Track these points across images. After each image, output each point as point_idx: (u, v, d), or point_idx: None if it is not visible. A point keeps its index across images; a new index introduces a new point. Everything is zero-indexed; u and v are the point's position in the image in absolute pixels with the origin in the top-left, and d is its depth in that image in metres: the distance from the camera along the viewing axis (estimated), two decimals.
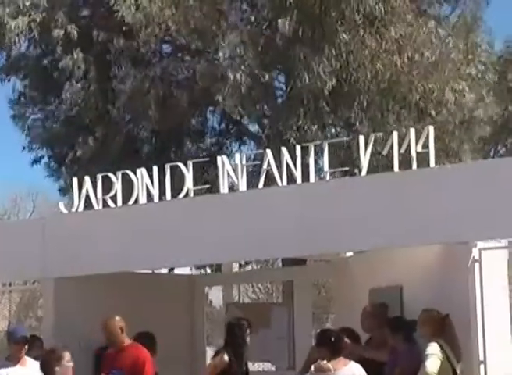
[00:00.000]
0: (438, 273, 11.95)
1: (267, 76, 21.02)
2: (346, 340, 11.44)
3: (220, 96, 20.41)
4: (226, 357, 12.48)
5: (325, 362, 11.03)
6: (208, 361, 16.71)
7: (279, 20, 19.84)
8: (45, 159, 24.38)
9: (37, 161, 24.38)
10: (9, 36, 21.84)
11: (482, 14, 23.82)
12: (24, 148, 24.28)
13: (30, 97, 24.16)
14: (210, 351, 16.78)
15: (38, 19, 21.92)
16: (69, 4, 22.26)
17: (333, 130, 19.74)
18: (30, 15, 21.79)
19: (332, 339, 11.12)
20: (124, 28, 20.89)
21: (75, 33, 21.62)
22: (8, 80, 23.65)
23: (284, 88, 21.03)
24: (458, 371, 11.02)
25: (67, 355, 10.35)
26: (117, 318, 12.64)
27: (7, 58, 23.04)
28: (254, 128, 22.91)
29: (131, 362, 12.44)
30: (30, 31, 21.91)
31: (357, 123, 19.78)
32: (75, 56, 21.59)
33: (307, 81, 19.87)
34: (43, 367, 10.95)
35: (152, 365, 12.48)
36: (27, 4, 22.11)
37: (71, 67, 21.73)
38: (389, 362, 11.69)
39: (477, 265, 11.39)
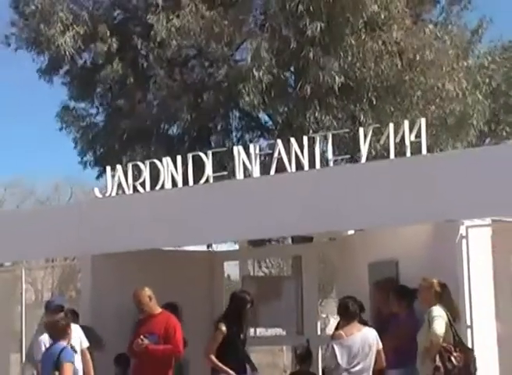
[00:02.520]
0: (429, 248, 11.95)
1: (282, 75, 21.04)
2: None
3: (244, 91, 20.39)
4: (224, 327, 12.40)
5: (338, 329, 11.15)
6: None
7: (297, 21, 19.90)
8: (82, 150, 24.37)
9: (79, 155, 24.39)
10: (57, 47, 21.88)
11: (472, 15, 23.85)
12: (75, 144, 24.24)
13: (74, 103, 24.17)
14: None
15: (82, 32, 21.92)
16: (109, 18, 22.23)
17: (341, 123, 19.63)
18: (74, 28, 21.79)
19: (347, 306, 11.17)
20: (157, 39, 20.88)
21: (114, 45, 21.63)
22: (51, 80, 23.61)
23: (297, 85, 20.93)
24: (459, 336, 11.04)
25: None
26: (146, 288, 12.69)
27: (52, 61, 23.01)
28: (268, 122, 22.89)
29: (162, 328, 12.47)
30: (75, 43, 21.91)
31: (362, 117, 19.76)
32: (115, 65, 21.61)
33: (319, 79, 19.89)
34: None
35: (181, 331, 12.52)
36: (71, 18, 22.10)
37: (111, 74, 21.75)
38: (391, 326, 11.71)
39: (464, 241, 11.42)
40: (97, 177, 23.62)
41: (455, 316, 11.11)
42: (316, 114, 20.15)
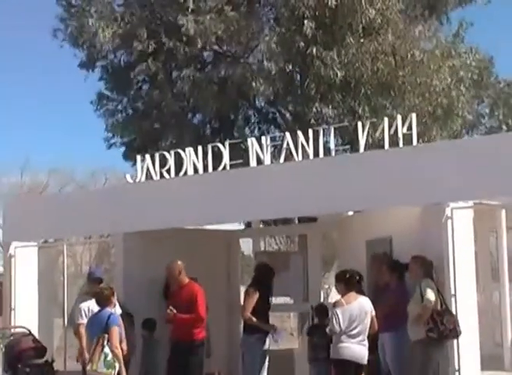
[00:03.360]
0: (419, 227, 11.96)
1: (290, 74, 21.06)
2: None
3: (257, 87, 20.44)
4: (257, 292, 12.58)
5: (338, 297, 11.19)
6: (242, 296, 16.89)
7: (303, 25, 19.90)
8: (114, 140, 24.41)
9: (112, 144, 24.40)
10: (98, 43, 21.90)
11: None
12: (106, 129, 24.26)
13: (110, 94, 24.13)
14: (243, 289, 16.88)
15: (120, 31, 21.93)
16: (144, 20, 22.22)
17: (341, 116, 19.62)
18: (112, 28, 21.80)
19: (347, 276, 11.18)
20: (184, 38, 20.90)
21: (148, 44, 21.64)
22: (92, 70, 23.61)
23: (303, 82, 20.94)
24: (447, 304, 11.11)
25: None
26: (178, 262, 12.63)
27: (91, 57, 23.01)
28: (278, 115, 22.85)
29: (188, 296, 12.46)
30: (113, 41, 21.92)
31: (360, 110, 19.75)
32: (149, 63, 21.64)
33: (322, 76, 19.90)
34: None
35: (203, 297, 12.54)
36: (112, 17, 22.11)
37: (145, 70, 21.77)
38: (384, 296, 11.74)
39: (449, 221, 11.41)
40: (133, 164, 23.62)
41: (441, 288, 11.20)
42: (319, 107, 20.16)
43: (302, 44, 20.22)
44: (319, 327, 13.36)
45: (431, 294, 10.94)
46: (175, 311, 12.28)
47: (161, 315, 12.87)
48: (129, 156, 23.47)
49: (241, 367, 13.34)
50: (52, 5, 23.11)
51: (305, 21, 19.90)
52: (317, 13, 19.96)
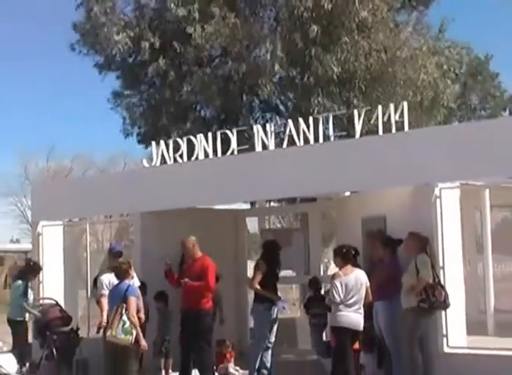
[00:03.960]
0: (410, 205, 11.96)
1: (291, 69, 21.05)
2: None
3: (261, 82, 20.47)
4: (265, 265, 12.66)
5: (336, 269, 11.22)
6: (249, 270, 16.93)
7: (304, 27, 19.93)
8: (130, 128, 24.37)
9: (129, 133, 24.38)
10: (112, 46, 21.90)
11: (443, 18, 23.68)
12: (124, 122, 24.24)
13: (125, 89, 24.11)
14: (249, 263, 16.91)
15: (132, 35, 21.91)
16: (154, 24, 22.18)
17: (337, 106, 19.60)
18: (125, 32, 21.80)
19: (344, 251, 11.23)
20: (192, 41, 20.87)
21: (157, 44, 21.63)
22: (105, 74, 23.61)
23: (303, 76, 20.94)
24: (440, 278, 11.15)
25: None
26: (192, 237, 12.75)
27: (108, 59, 22.99)
28: (281, 106, 22.84)
29: (199, 268, 12.56)
30: (126, 43, 21.90)
31: (355, 101, 19.74)
32: (159, 62, 21.61)
33: (320, 71, 19.88)
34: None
35: (214, 270, 12.61)
36: (122, 23, 22.10)
37: (156, 69, 21.75)
38: (378, 268, 11.76)
39: (438, 200, 11.43)
40: (146, 147, 23.61)
41: (434, 263, 11.22)
42: (318, 99, 20.17)
43: (301, 44, 20.22)
44: (314, 298, 14.01)
45: (426, 269, 11.00)
46: (186, 280, 12.39)
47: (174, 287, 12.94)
48: (144, 143, 23.53)
49: (250, 333, 13.37)
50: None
51: (304, 22, 19.93)
52: (314, 14, 19.95)
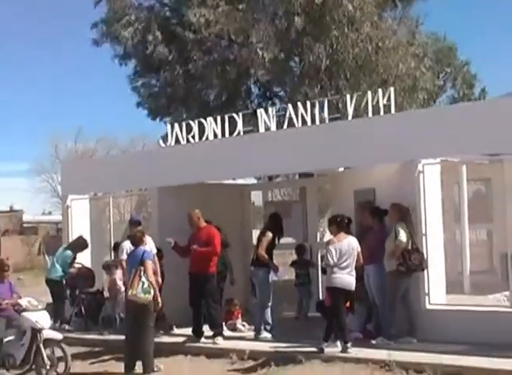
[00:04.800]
0: (397, 179, 11.97)
1: (286, 58, 21.05)
2: None
3: (258, 70, 20.50)
4: (270, 234, 12.68)
5: (331, 236, 11.27)
6: (254, 239, 16.95)
7: (295, 19, 19.89)
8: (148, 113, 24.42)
9: (144, 108, 24.42)
10: (123, 39, 21.88)
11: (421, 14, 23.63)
12: (138, 106, 24.25)
13: (139, 75, 24.09)
14: (254, 232, 16.93)
15: (140, 27, 21.87)
16: (159, 17, 22.14)
17: (327, 92, 19.58)
18: (134, 25, 21.79)
19: (338, 220, 11.29)
20: (194, 29, 20.83)
21: (161, 35, 21.62)
22: (126, 64, 23.58)
23: (297, 65, 20.96)
24: (417, 244, 11.23)
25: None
26: (196, 210, 12.82)
27: (125, 51, 22.97)
28: (280, 92, 22.80)
29: (205, 236, 12.63)
30: (135, 35, 21.87)
31: (342, 88, 19.72)
32: (163, 49, 21.57)
33: (311, 60, 19.87)
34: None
35: (218, 237, 12.67)
36: (133, 18, 22.06)
37: (163, 55, 21.71)
38: (368, 235, 11.77)
39: (421, 174, 11.46)
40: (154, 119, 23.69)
41: (412, 230, 11.29)
42: (309, 86, 20.22)
43: (295, 35, 20.19)
44: (298, 262, 15.01)
45: (403, 236, 11.10)
46: (195, 247, 12.46)
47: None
48: (154, 119, 23.65)
49: (252, 294, 13.37)
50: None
51: (297, 15, 19.90)
52: (307, 9, 19.91)
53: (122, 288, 12.89)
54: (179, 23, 21.69)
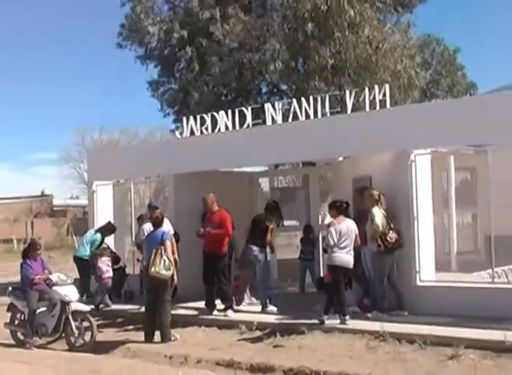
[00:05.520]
0: (391, 168, 11.93)
1: (294, 59, 21.01)
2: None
3: (269, 68, 20.50)
4: (271, 225, 12.82)
5: (331, 219, 11.27)
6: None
7: (304, 24, 19.88)
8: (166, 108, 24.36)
9: (166, 115, 24.39)
10: (148, 38, 21.86)
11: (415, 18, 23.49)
12: (161, 104, 24.22)
13: (159, 74, 24.07)
14: None
15: (164, 28, 21.82)
16: (182, 19, 22.09)
17: (331, 89, 19.52)
18: (157, 24, 21.73)
19: (337, 204, 11.33)
20: (212, 34, 20.83)
21: (185, 35, 21.58)
22: (147, 64, 23.54)
23: (304, 65, 20.92)
24: (391, 225, 11.21)
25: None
26: (211, 194, 12.84)
27: (147, 51, 22.92)
28: (287, 89, 22.75)
29: (218, 219, 12.65)
30: (159, 34, 21.83)
31: (345, 85, 19.66)
32: (187, 50, 21.56)
33: (317, 61, 19.85)
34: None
35: (229, 220, 12.69)
36: (158, 19, 22.02)
37: (183, 56, 21.69)
38: (364, 218, 11.74)
39: (413, 163, 11.43)
40: (175, 123, 23.61)
41: (388, 212, 11.32)
42: (315, 83, 20.15)
43: (302, 38, 20.15)
44: (304, 239, 15.20)
45: (378, 220, 11.16)
46: (208, 229, 12.51)
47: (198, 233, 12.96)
48: (177, 119, 23.52)
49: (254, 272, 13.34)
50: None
51: (304, 21, 19.87)
52: (312, 14, 19.85)
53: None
54: (200, 31, 21.62)
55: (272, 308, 12.40)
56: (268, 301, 12.55)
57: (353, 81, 19.94)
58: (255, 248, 12.61)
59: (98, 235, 14.94)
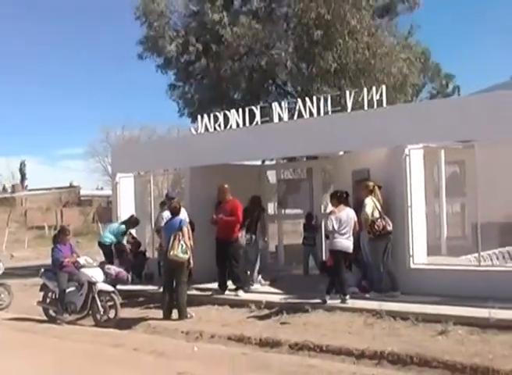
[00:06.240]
0: (387, 161, 11.95)
1: (299, 62, 20.96)
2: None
3: (276, 71, 20.51)
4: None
5: (332, 208, 11.27)
6: (270, 210, 17.04)
7: (309, 32, 19.84)
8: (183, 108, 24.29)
9: (182, 114, 24.34)
10: (166, 52, 21.89)
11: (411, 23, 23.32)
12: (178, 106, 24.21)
13: (177, 80, 24.01)
14: (269, 205, 16.99)
15: (180, 41, 21.83)
16: (196, 32, 22.04)
17: (333, 91, 19.45)
18: (176, 39, 21.77)
19: (338, 194, 11.35)
20: (222, 37, 20.77)
21: (200, 46, 21.55)
22: (166, 73, 23.50)
23: (308, 68, 20.84)
24: (382, 214, 11.18)
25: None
26: (225, 185, 12.91)
27: (166, 61, 22.89)
28: (293, 91, 22.66)
29: (230, 208, 12.70)
30: (176, 46, 21.83)
31: (345, 87, 19.59)
32: (203, 60, 21.57)
33: (321, 65, 19.81)
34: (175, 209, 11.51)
35: (241, 208, 12.74)
36: (174, 34, 22.02)
37: (200, 64, 21.67)
38: (360, 206, 11.76)
39: (407, 158, 11.43)
40: (191, 123, 23.58)
41: (381, 202, 11.28)
42: (318, 85, 20.13)
43: (307, 44, 20.09)
44: (307, 226, 15.25)
45: (368, 208, 11.12)
46: (221, 216, 12.55)
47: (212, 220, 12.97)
48: (192, 117, 23.48)
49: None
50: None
51: (309, 28, 19.81)
52: (317, 22, 19.78)
53: None
54: (213, 38, 21.54)
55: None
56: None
57: (352, 83, 19.85)
58: (247, 235, 12.78)
59: (123, 227, 15.04)
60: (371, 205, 11.17)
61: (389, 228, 11.12)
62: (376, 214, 11.15)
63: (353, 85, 19.41)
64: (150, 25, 22.11)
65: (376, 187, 11.36)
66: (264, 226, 13.59)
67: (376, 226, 11.07)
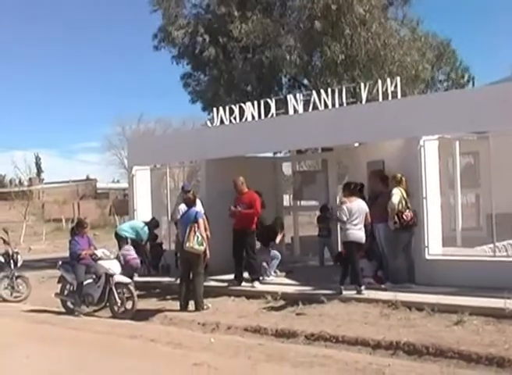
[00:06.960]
0: (402, 152, 11.93)
1: (308, 54, 20.94)
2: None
3: (287, 66, 20.48)
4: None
5: (344, 198, 11.29)
6: (285, 201, 17.07)
7: (315, 23, 19.77)
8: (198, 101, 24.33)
9: (194, 101, 24.34)
10: (175, 40, 21.90)
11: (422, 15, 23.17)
12: (190, 97, 24.25)
13: (192, 72, 24.02)
14: (285, 196, 17.03)
15: (189, 30, 21.83)
16: (207, 23, 22.03)
17: (344, 82, 19.41)
18: (183, 27, 21.78)
19: (352, 186, 11.37)
20: (235, 37, 20.81)
21: (208, 38, 21.57)
22: (180, 63, 23.51)
23: (319, 59, 20.84)
24: (409, 205, 11.17)
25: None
26: (240, 177, 12.88)
27: (178, 51, 22.93)
28: (305, 82, 22.61)
29: (248, 200, 12.71)
30: (184, 36, 21.86)
31: (357, 78, 19.53)
32: (211, 50, 21.55)
33: (328, 55, 19.78)
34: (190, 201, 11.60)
35: (258, 200, 12.78)
36: (184, 22, 22.03)
37: (210, 55, 21.67)
38: (378, 199, 11.73)
39: (422, 149, 11.41)
40: (207, 115, 23.65)
41: (408, 193, 11.25)
42: (328, 77, 20.14)
43: (316, 35, 20.05)
44: (321, 217, 15.34)
45: (395, 199, 11.09)
46: (239, 208, 12.57)
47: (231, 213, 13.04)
48: (206, 109, 23.54)
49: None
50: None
51: (318, 19, 19.76)
52: (325, 13, 19.74)
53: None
54: (222, 31, 21.54)
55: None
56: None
57: (363, 74, 19.78)
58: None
59: (146, 228, 15.12)
60: (398, 195, 11.15)
61: (417, 220, 11.15)
62: (403, 204, 11.15)
63: (366, 77, 19.36)
64: (164, 14, 22.17)
65: (403, 179, 11.34)
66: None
67: (404, 217, 11.06)
